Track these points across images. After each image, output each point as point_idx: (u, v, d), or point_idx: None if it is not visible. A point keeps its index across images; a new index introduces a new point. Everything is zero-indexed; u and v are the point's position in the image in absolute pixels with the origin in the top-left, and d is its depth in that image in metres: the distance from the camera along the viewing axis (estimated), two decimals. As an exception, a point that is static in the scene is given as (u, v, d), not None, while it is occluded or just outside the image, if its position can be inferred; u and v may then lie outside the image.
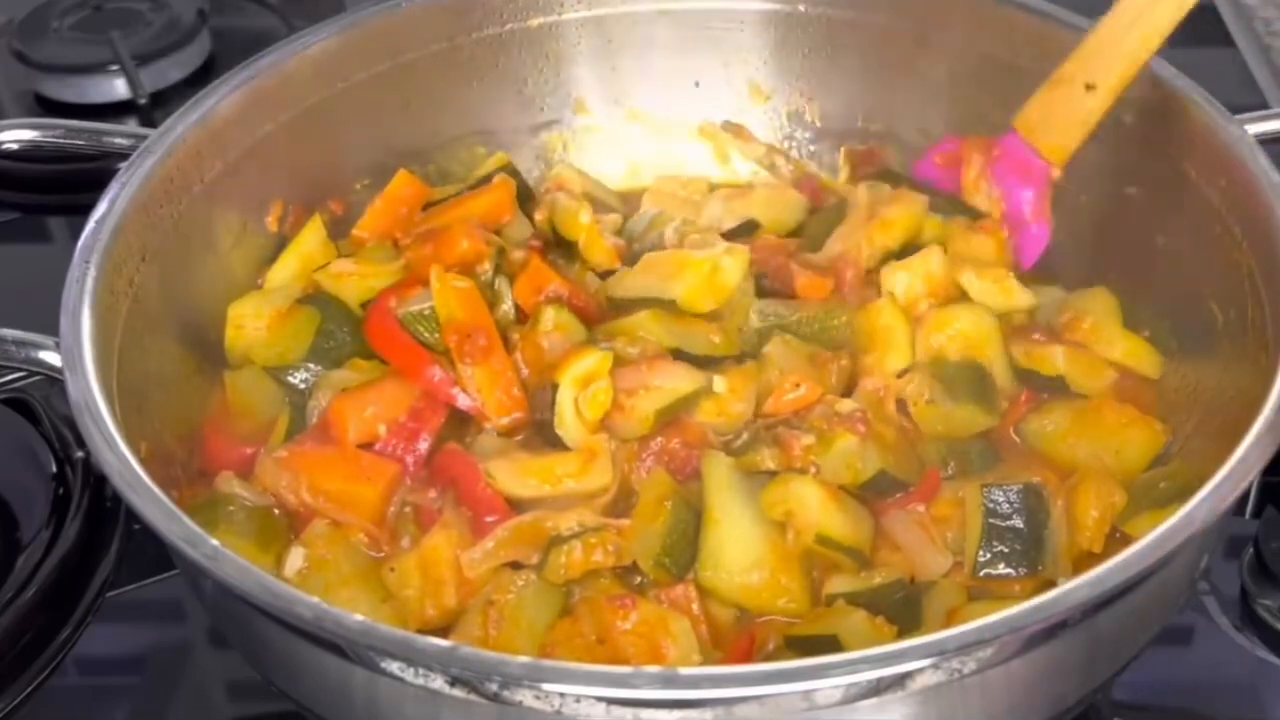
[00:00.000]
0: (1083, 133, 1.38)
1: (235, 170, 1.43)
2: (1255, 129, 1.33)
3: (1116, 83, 1.35)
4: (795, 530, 1.21)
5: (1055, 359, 1.35)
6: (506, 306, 1.39)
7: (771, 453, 1.27)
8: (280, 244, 1.47)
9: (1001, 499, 1.21)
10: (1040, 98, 1.39)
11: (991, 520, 1.21)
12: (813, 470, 1.25)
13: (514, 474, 1.26)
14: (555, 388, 1.29)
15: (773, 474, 1.26)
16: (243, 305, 1.40)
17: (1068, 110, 1.38)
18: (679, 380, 1.31)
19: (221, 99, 1.42)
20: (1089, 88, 1.35)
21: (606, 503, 1.26)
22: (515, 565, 1.22)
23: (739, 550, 1.21)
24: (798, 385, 1.31)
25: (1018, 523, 1.21)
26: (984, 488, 1.22)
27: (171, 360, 1.34)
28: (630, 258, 1.44)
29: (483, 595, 1.20)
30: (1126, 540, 1.09)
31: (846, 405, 1.30)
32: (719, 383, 1.32)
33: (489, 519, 1.24)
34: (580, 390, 1.29)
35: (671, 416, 1.30)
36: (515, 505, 1.25)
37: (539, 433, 1.31)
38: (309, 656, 1.07)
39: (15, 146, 1.46)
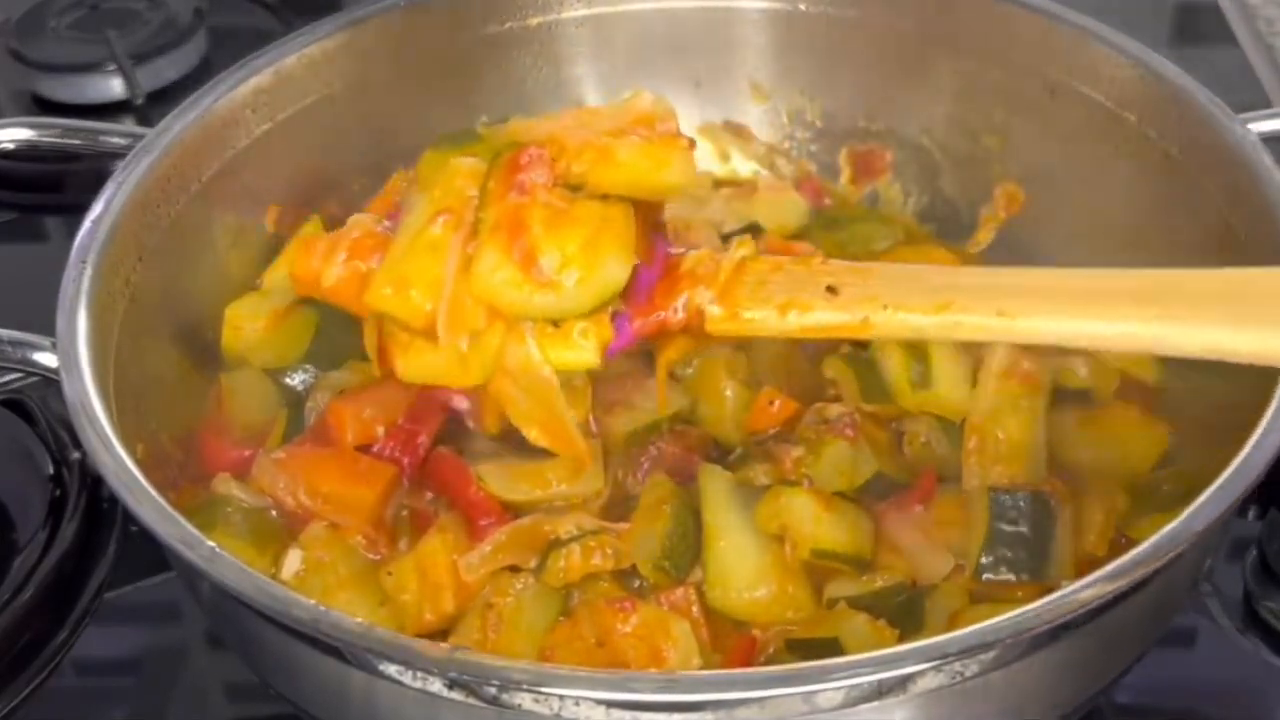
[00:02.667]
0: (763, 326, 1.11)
1: (232, 170, 1.42)
2: (1259, 128, 1.32)
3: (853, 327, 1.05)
4: (791, 544, 1.20)
5: (1079, 370, 1.33)
6: None
7: (764, 467, 1.26)
8: (278, 244, 1.46)
9: (1009, 503, 1.20)
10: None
11: (997, 524, 1.20)
12: (806, 483, 1.24)
13: (505, 478, 1.25)
14: None
15: (768, 487, 1.24)
16: (240, 306, 1.39)
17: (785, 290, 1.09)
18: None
19: (219, 98, 1.41)
20: (830, 290, 1.06)
21: (601, 507, 1.25)
22: (514, 568, 1.21)
23: (744, 567, 1.20)
24: (772, 401, 1.30)
25: (1024, 529, 1.19)
26: (991, 490, 1.21)
27: (168, 361, 1.34)
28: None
29: (481, 598, 1.19)
30: (1131, 543, 1.08)
31: (834, 410, 1.29)
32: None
33: (483, 522, 1.23)
34: None
35: (646, 440, 1.29)
36: (508, 509, 1.24)
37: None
38: (307, 659, 1.07)
39: (11, 146, 1.45)
